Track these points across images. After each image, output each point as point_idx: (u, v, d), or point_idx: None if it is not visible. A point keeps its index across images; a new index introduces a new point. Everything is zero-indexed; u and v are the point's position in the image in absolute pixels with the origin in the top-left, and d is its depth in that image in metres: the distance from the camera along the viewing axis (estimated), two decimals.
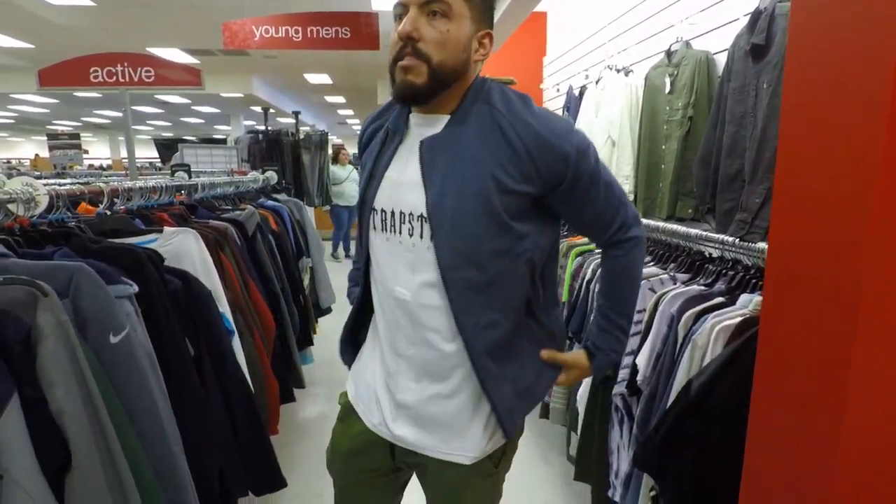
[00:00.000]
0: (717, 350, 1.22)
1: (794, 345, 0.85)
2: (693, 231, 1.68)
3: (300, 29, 5.16)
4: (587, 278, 2.04)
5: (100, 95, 10.94)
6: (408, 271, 0.90)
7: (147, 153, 15.26)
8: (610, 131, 2.64)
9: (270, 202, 2.66)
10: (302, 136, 5.90)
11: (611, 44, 2.98)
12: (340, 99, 13.15)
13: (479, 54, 0.88)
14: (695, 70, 2.07)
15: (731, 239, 1.50)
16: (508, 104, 0.88)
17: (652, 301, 1.58)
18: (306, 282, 2.70)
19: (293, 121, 6.51)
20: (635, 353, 1.58)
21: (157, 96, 11.16)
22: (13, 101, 11.70)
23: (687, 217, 2.15)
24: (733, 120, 1.70)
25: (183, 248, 1.41)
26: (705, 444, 1.17)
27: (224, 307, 1.48)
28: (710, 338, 1.23)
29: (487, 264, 0.86)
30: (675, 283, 1.65)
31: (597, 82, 2.89)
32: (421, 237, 0.88)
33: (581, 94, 3.17)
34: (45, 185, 1.14)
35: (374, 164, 0.95)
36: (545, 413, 2.36)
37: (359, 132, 1.08)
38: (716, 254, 1.67)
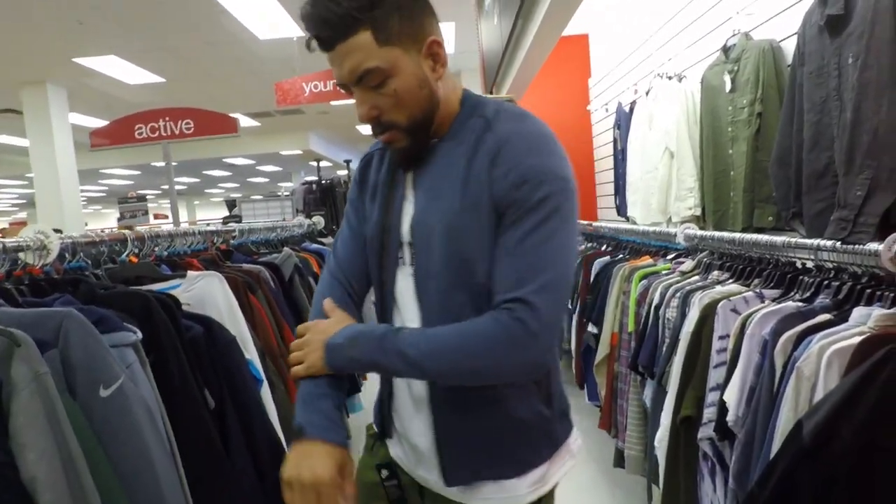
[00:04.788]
0: (832, 380, 0.96)
1: None
2: (779, 239, 1.43)
3: None
4: (655, 303, 1.80)
5: (175, 163, 11.87)
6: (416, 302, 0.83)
7: (221, 213, 16.36)
8: (667, 142, 2.42)
9: (315, 245, 2.62)
10: None
11: (659, 52, 2.79)
12: None
13: (439, 67, 0.80)
14: (758, 61, 1.84)
15: (830, 243, 1.24)
16: (498, 112, 0.80)
17: (737, 324, 1.32)
18: None
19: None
20: (722, 387, 1.32)
21: (224, 160, 11.97)
22: (103, 175, 12.95)
23: (767, 226, 1.87)
24: (813, 108, 1.46)
25: (207, 293, 1.34)
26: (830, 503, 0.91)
27: (251, 354, 1.38)
28: (821, 364, 0.98)
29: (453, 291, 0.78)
30: (762, 301, 1.39)
31: (647, 93, 2.69)
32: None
33: (632, 109, 2.98)
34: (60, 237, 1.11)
35: (389, 191, 0.87)
36: (619, 461, 2.07)
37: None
38: (810, 263, 1.40)
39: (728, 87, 1.98)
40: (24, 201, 17.21)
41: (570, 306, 2.97)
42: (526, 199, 0.72)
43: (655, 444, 1.58)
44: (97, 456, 0.78)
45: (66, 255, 1.29)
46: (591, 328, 2.41)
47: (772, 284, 1.45)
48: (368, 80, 0.75)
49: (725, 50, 2.03)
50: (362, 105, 0.77)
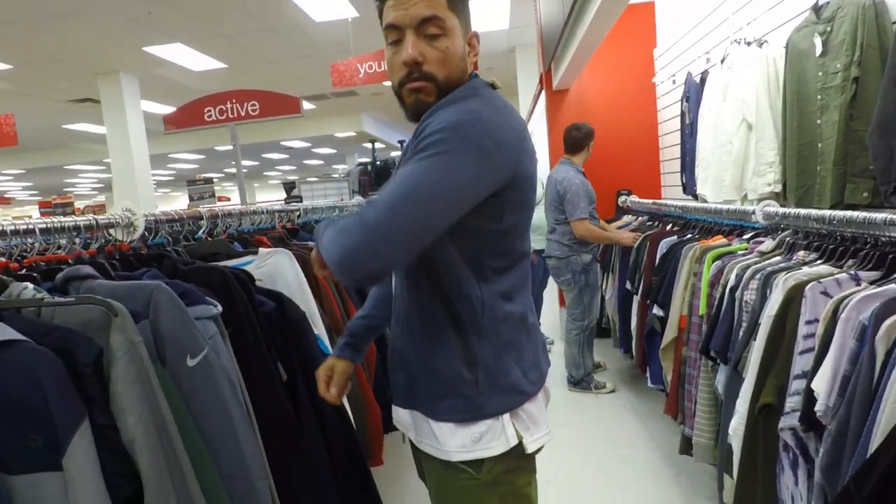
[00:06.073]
0: None
1: None
2: (879, 216, 1.30)
3: None
4: (730, 285, 1.70)
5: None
6: None
7: (279, 195, 16.98)
8: (744, 113, 2.25)
9: None
10: None
11: (736, 16, 2.58)
12: None
13: (472, 56, 0.91)
14: (857, 20, 1.66)
15: None
16: (462, 92, 0.85)
17: (829, 308, 1.22)
18: None
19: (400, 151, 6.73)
20: (809, 375, 1.23)
21: (281, 142, 12.33)
22: (171, 160, 13.67)
23: (861, 202, 1.71)
24: None
25: (277, 269, 1.38)
26: None
27: (320, 329, 1.41)
28: None
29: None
30: (858, 284, 1.27)
31: (722, 61, 2.51)
32: None
33: (703, 80, 2.79)
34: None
35: None
36: (686, 448, 2.00)
37: None
38: None
39: (819, 50, 1.81)
40: (102, 185, 18.48)
41: (631, 287, 2.86)
42: (419, 144, 0.78)
43: (730, 432, 1.50)
44: (185, 421, 0.82)
45: (146, 234, 1.35)
46: (657, 310, 2.32)
47: (869, 266, 1.33)
48: (428, 27, 0.82)
49: (816, 9, 1.84)
50: (413, 48, 0.82)
